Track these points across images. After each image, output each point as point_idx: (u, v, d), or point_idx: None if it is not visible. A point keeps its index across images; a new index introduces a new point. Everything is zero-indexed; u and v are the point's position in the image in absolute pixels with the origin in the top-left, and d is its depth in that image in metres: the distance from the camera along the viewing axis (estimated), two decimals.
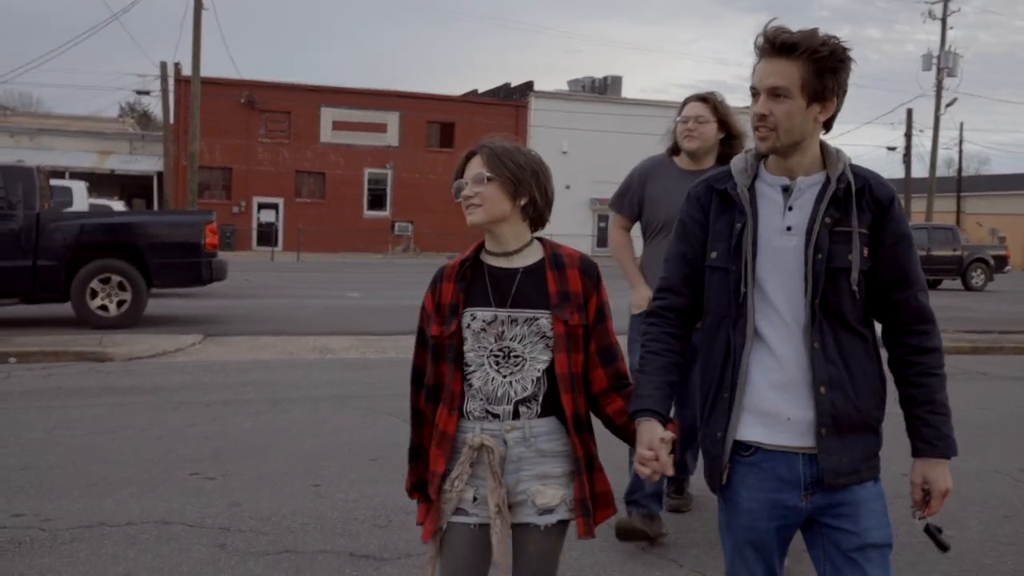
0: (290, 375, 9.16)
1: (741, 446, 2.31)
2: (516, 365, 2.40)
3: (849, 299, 2.25)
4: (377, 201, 47.39)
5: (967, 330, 15.49)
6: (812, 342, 2.25)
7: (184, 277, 12.51)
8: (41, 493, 5.07)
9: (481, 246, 2.51)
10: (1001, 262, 30.24)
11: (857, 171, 2.32)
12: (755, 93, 2.29)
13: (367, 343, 11.57)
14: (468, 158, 2.46)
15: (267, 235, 43.25)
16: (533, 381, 2.40)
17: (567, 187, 44.09)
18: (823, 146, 2.36)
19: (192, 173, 34.85)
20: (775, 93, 2.24)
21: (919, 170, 49.56)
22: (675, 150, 4.41)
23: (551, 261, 2.46)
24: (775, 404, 2.28)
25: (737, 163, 2.40)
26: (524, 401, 2.40)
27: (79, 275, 11.85)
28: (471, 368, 2.42)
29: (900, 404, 2.35)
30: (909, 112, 46.54)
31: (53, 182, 16.28)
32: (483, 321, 2.40)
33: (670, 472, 2.30)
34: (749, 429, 2.30)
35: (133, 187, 43.50)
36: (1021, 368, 11.64)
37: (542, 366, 2.40)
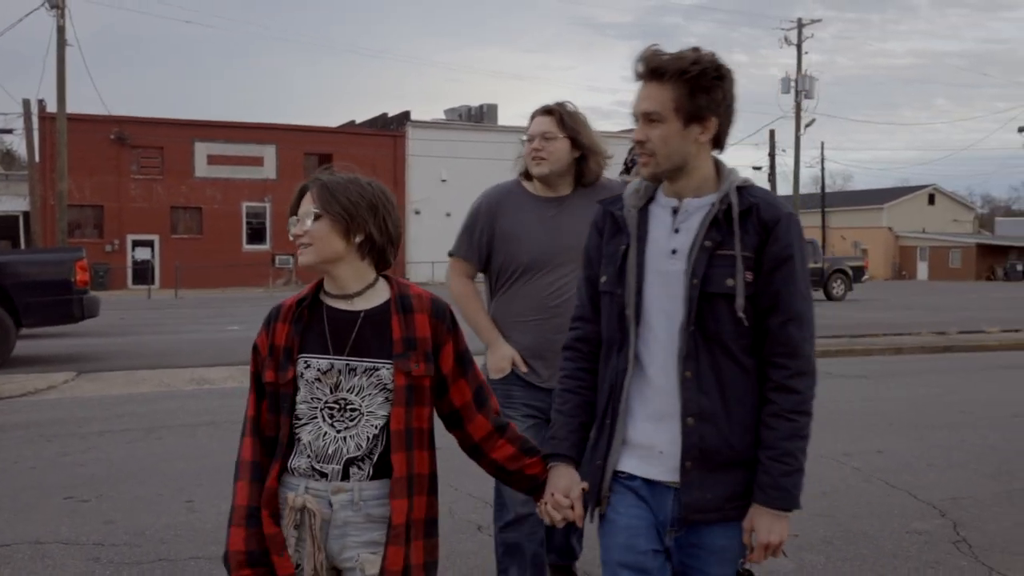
0: (167, 405, 9.27)
1: (623, 474, 2.26)
2: (352, 419, 2.18)
3: (731, 326, 2.16)
4: (256, 235, 46.90)
5: (822, 336, 16.54)
6: (684, 371, 2.17)
7: (55, 315, 12.40)
8: None
9: (320, 284, 2.30)
10: (859, 272, 32.07)
11: (748, 192, 2.22)
12: (635, 119, 2.25)
13: (245, 372, 11.63)
14: (302, 193, 2.27)
15: (143, 273, 42.30)
16: (369, 439, 2.18)
17: (447, 215, 44.59)
18: (719, 166, 2.29)
19: (61, 212, 33.91)
20: (649, 118, 2.19)
21: (785, 188, 51.87)
22: (528, 175, 3.62)
23: (397, 304, 2.25)
24: (649, 437, 2.22)
25: (632, 184, 2.35)
26: (356, 461, 2.18)
27: None
28: (301, 421, 2.20)
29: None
30: (771, 133, 48.78)
31: None
32: (317, 370, 2.18)
33: (580, 523, 2.29)
34: (626, 460, 2.25)
35: None
36: (863, 368, 12.61)
37: (380, 421, 2.19)
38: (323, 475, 2.16)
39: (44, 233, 38.44)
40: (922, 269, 63.66)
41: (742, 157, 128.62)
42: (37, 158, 38.31)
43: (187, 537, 4.89)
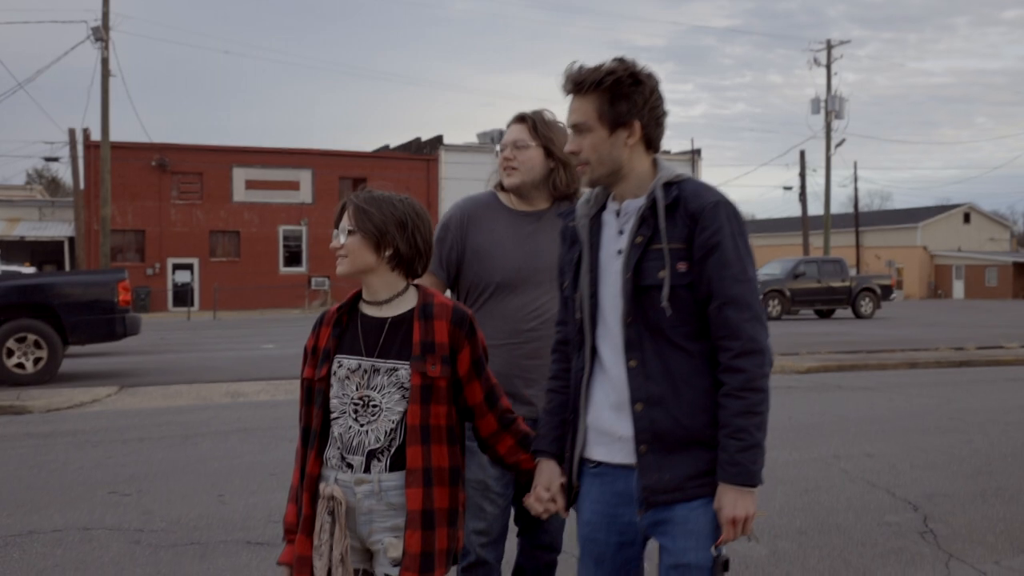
0: (202, 416, 9.86)
1: (589, 461, 2.41)
2: (373, 415, 2.43)
3: (665, 315, 2.26)
4: (293, 257, 47.81)
5: (839, 351, 16.85)
6: (628, 360, 2.31)
7: (99, 333, 13.08)
8: None
9: (359, 293, 2.58)
10: (887, 291, 32.12)
11: (677, 185, 2.31)
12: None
13: (277, 386, 12.27)
14: (343, 209, 2.52)
15: (183, 295, 43.29)
16: (387, 432, 2.42)
17: None
18: (656, 166, 2.39)
19: (104, 237, 35.02)
20: (578, 129, 2.33)
21: (817, 207, 51.85)
22: (503, 187, 3.36)
23: (420, 311, 2.49)
24: (611, 424, 2.35)
25: (587, 194, 2.48)
26: (377, 453, 2.42)
27: None
28: (335, 415, 2.47)
29: None
30: (802, 153, 48.90)
31: None
32: (348, 369, 2.46)
33: (564, 513, 2.50)
34: (592, 448, 2.40)
35: (44, 253, 43.23)
36: (874, 381, 12.91)
37: (396, 417, 2.42)
38: (350, 466, 2.42)
39: (88, 257, 39.54)
40: (958, 288, 63.16)
41: (774, 177, 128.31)
42: (82, 185, 39.47)
43: (217, 525, 5.43)
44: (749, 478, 2.20)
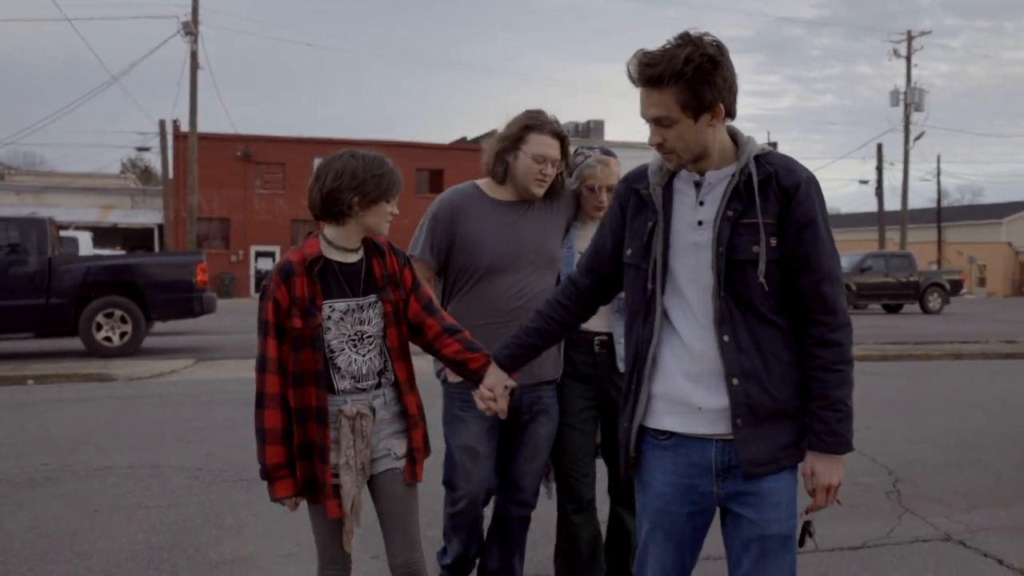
0: None
1: (658, 432, 2.37)
2: (369, 344, 2.80)
3: (759, 290, 2.24)
4: None
5: (887, 342, 17.12)
6: (722, 335, 2.27)
7: (178, 310, 14.22)
8: (63, 453, 6.75)
9: (320, 244, 2.80)
10: (956, 286, 31.83)
11: (766, 160, 2.30)
12: (647, 122, 2.31)
13: None
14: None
15: None
16: (379, 353, 2.83)
17: None
18: (735, 137, 2.35)
19: (191, 224, 36.69)
20: (660, 122, 2.26)
21: (894, 202, 51.18)
22: (495, 176, 3.57)
23: (373, 250, 2.87)
24: (687, 394, 2.31)
25: (654, 162, 2.41)
26: (381, 372, 2.84)
27: (86, 311, 13.58)
28: (335, 353, 2.76)
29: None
30: (879, 146, 48.39)
31: (60, 234, 18.03)
32: (340, 311, 2.75)
33: (504, 414, 2.80)
34: (663, 418, 2.35)
35: (135, 239, 45.28)
36: (910, 369, 13.27)
37: (381, 341, 2.83)
38: (363, 390, 2.79)
39: (176, 244, 41.34)
40: None
41: (853, 170, 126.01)
42: (171, 174, 41.25)
43: None
44: (846, 447, 2.28)
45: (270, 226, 47.00)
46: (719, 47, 2.23)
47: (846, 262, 30.60)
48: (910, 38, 49.17)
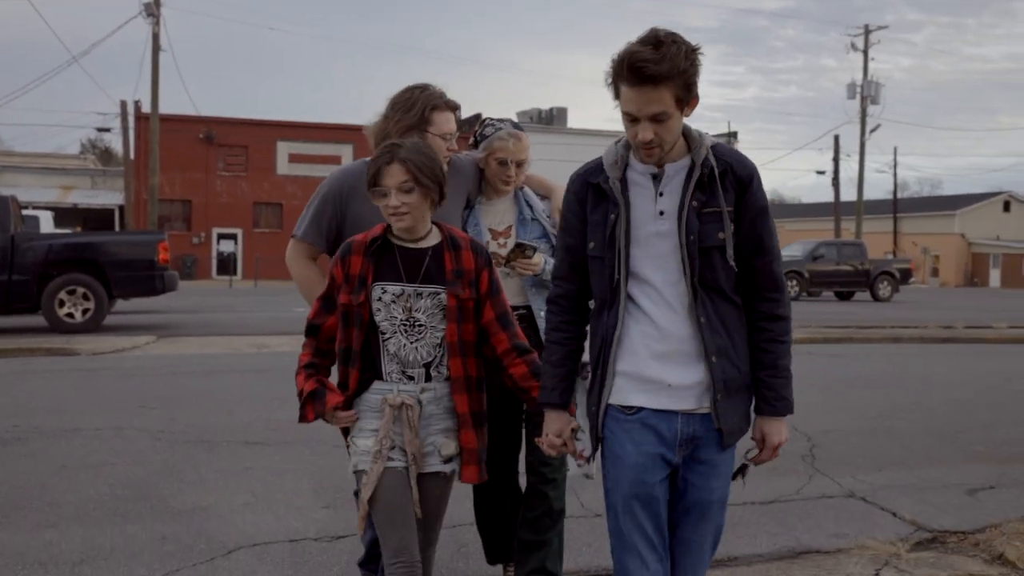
0: (227, 360, 11.16)
1: (626, 408, 2.46)
2: (420, 333, 2.72)
3: (723, 273, 2.41)
4: None
5: (830, 326, 17.75)
6: (698, 317, 2.40)
7: (140, 288, 14.48)
8: (30, 416, 7.09)
9: (388, 227, 2.78)
10: (906, 275, 32.68)
11: (720, 153, 2.44)
12: (632, 119, 2.34)
13: (300, 340, 13.48)
14: (386, 164, 2.69)
15: (226, 264, 44.93)
16: (434, 347, 2.73)
17: None
18: (686, 130, 2.45)
19: (152, 206, 36.66)
20: (657, 119, 2.32)
21: (850, 193, 52.15)
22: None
23: (448, 243, 2.78)
24: (656, 372, 2.43)
25: (608, 156, 2.50)
26: (434, 365, 2.75)
27: (48, 288, 13.79)
28: (386, 335, 2.73)
29: (751, 366, 2.54)
30: (836, 138, 49.23)
31: (21, 213, 18.14)
32: (392, 294, 2.70)
33: (577, 457, 2.67)
34: (630, 395, 2.45)
35: (95, 220, 45.03)
36: (847, 351, 13.87)
37: (440, 334, 2.73)
38: (410, 378, 2.73)
39: (137, 226, 41.14)
40: (995, 277, 63.01)
41: (810, 161, 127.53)
42: (132, 155, 41.07)
43: (224, 430, 6.71)
44: (790, 408, 2.52)
45: (232, 208, 46.90)
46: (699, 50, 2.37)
47: (799, 250, 31.37)
48: (867, 32, 50.03)
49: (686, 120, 2.42)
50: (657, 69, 2.25)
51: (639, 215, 2.43)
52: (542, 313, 3.45)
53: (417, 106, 3.36)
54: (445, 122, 3.39)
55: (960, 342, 15.98)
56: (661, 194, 2.42)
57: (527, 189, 3.70)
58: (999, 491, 5.68)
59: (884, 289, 31.14)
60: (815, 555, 4.51)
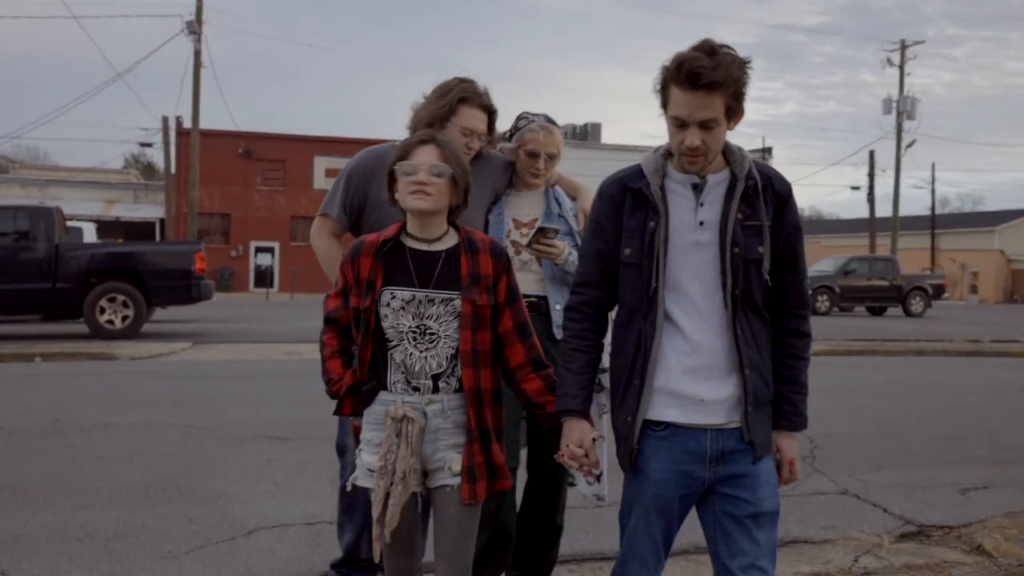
0: (259, 365, 11.59)
1: (653, 424, 2.43)
2: (431, 342, 2.52)
3: (758, 287, 2.41)
4: None
5: (855, 339, 17.83)
6: (736, 330, 2.39)
7: (177, 296, 14.99)
8: (70, 412, 7.52)
9: (401, 229, 2.62)
10: (939, 290, 32.50)
11: (760, 169, 2.45)
12: (681, 124, 2.34)
13: None
14: (419, 143, 2.59)
15: (263, 277, 45.62)
16: (447, 357, 2.54)
17: None
18: (725, 144, 2.44)
19: (192, 219, 37.42)
20: (706, 125, 2.32)
21: (886, 209, 51.88)
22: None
23: (466, 245, 2.60)
24: (688, 387, 2.40)
25: (648, 163, 2.48)
26: (442, 376, 2.54)
27: (90, 295, 14.35)
28: (392, 343, 2.54)
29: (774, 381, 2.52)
30: (871, 153, 49.06)
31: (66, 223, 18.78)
32: (402, 300, 2.51)
33: (597, 468, 2.60)
34: (662, 410, 2.42)
35: (137, 233, 45.88)
36: (867, 363, 14.00)
37: (455, 344, 2.53)
38: (416, 389, 2.54)
39: (177, 238, 41.95)
40: None
41: (846, 175, 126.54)
42: (173, 170, 41.87)
43: (251, 426, 7.10)
44: (806, 424, 2.55)
45: (270, 222, 47.55)
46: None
47: (830, 265, 31.34)
48: (903, 47, 49.86)
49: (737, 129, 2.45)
50: (713, 75, 2.26)
51: (678, 224, 2.42)
52: (558, 307, 3.44)
53: (450, 95, 3.34)
54: (470, 118, 3.34)
55: (985, 355, 16.01)
56: (702, 204, 2.42)
57: (558, 188, 3.67)
58: (992, 491, 5.87)
59: (916, 304, 30.96)
60: (802, 544, 4.74)
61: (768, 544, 2.46)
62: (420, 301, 2.52)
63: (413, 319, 2.52)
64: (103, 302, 14.40)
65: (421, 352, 2.52)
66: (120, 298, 14.46)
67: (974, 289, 62.41)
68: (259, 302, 34.82)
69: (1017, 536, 4.80)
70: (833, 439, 7.24)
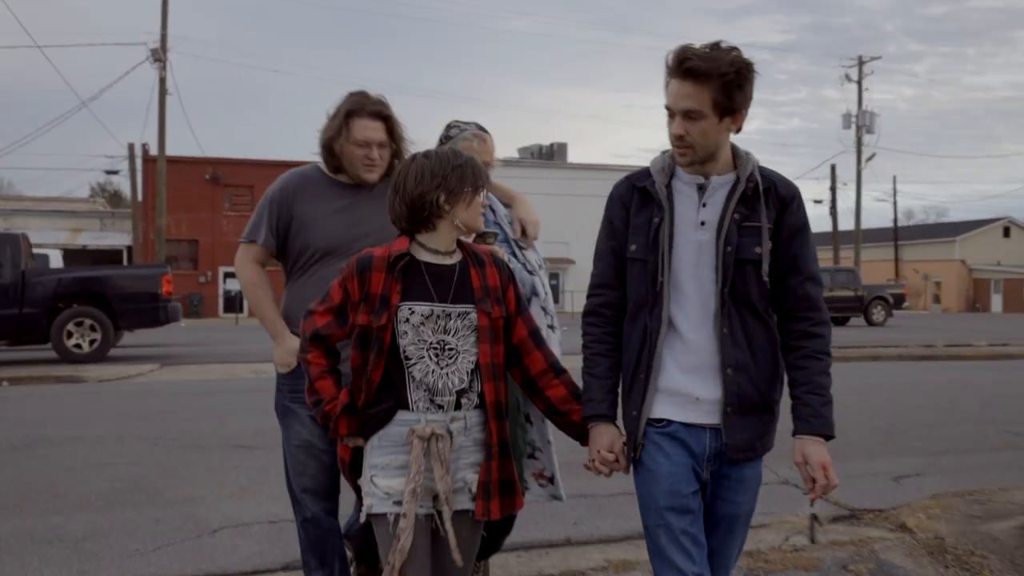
0: (226, 384, 11.77)
1: (655, 421, 2.44)
2: (451, 358, 2.46)
3: (756, 288, 2.40)
4: None
5: None
6: (722, 328, 2.39)
7: (144, 319, 15.12)
8: (39, 427, 7.70)
9: (410, 243, 2.54)
10: (899, 300, 33.12)
11: (765, 172, 2.47)
12: (671, 113, 2.37)
13: None
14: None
15: (233, 302, 45.56)
16: (468, 373, 2.48)
17: None
18: (734, 148, 2.47)
19: (160, 246, 37.38)
20: (689, 116, 2.33)
21: (848, 222, 52.70)
22: (329, 167, 3.40)
23: (472, 259, 2.57)
24: (685, 386, 2.41)
25: (656, 162, 2.50)
26: (463, 392, 2.48)
27: (57, 320, 14.46)
28: (412, 361, 2.45)
29: (788, 387, 2.48)
30: (832, 167, 49.91)
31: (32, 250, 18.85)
32: (421, 315, 2.44)
33: (626, 472, 2.50)
34: (662, 408, 2.43)
35: (105, 261, 45.63)
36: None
37: (474, 358, 2.49)
38: (439, 407, 2.46)
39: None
40: (996, 302, 63.24)
41: (808, 190, 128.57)
42: (140, 197, 41.80)
43: (217, 436, 7.31)
44: (830, 428, 2.40)
45: (238, 248, 47.51)
46: (753, 64, 2.38)
47: None
48: (860, 63, 50.87)
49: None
50: (697, 64, 2.28)
51: (681, 222, 2.44)
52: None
53: (339, 112, 3.33)
54: (361, 128, 3.29)
55: (937, 359, 16.46)
56: (704, 204, 2.43)
57: (492, 195, 3.65)
58: (923, 478, 6.22)
59: (878, 314, 31.54)
60: None
61: (736, 544, 2.56)
62: (438, 316, 2.46)
63: (433, 334, 2.46)
64: (70, 326, 14.52)
65: (443, 368, 2.46)
66: (87, 322, 14.59)
67: (937, 299, 63.44)
68: (229, 327, 34.83)
69: (939, 515, 5.12)
70: (777, 436, 7.53)
